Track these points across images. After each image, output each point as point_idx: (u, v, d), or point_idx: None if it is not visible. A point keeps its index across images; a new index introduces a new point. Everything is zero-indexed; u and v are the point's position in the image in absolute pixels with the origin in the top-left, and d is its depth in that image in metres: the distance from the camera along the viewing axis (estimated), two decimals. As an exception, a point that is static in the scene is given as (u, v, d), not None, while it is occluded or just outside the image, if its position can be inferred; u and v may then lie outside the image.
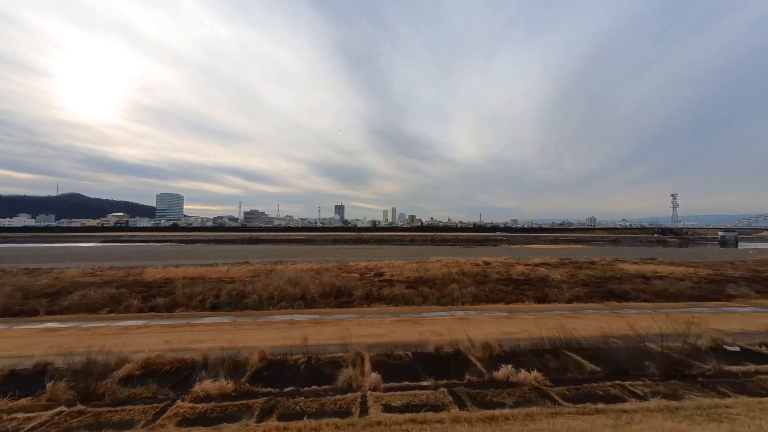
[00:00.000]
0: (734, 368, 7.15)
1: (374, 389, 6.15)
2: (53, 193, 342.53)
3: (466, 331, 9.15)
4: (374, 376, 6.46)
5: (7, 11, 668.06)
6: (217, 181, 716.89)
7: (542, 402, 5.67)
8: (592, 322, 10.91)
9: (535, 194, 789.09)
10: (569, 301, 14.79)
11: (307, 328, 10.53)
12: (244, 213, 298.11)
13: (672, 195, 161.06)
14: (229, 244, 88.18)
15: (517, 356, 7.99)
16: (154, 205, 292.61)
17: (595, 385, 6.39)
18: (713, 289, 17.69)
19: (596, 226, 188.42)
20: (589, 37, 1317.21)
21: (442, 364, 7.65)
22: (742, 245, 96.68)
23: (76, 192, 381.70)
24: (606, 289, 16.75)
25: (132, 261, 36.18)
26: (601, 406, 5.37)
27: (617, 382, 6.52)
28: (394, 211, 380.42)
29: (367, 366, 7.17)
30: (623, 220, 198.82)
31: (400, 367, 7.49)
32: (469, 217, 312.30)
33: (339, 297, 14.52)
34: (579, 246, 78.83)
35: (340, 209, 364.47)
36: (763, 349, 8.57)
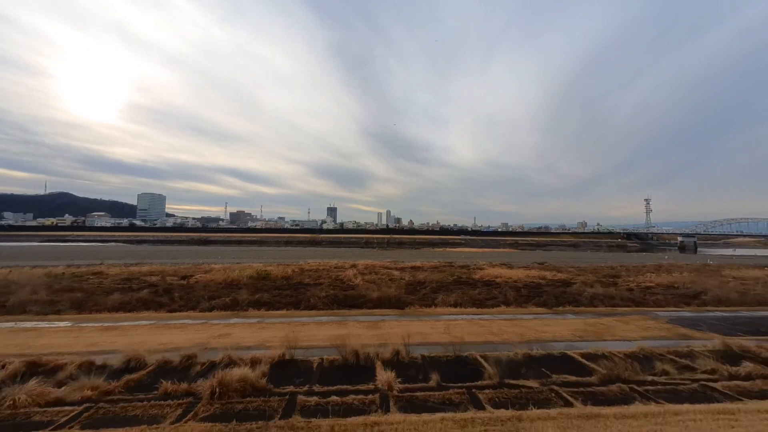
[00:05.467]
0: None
1: None
2: (43, 192, 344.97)
3: None
4: None
5: (3, 10, 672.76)
6: (215, 182, 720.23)
7: None
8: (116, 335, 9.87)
9: (533, 198, 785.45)
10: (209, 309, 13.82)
11: None
12: (230, 214, 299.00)
13: (645, 200, 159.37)
14: (176, 245, 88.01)
15: None
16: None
17: None
18: (425, 294, 16.78)
19: (567, 231, 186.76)
20: (584, 42, 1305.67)
21: None
22: (710, 251, 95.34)
23: (65, 191, 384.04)
24: (296, 300, 15.74)
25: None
26: None
27: None
28: (388, 213, 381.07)
29: None
30: (598, 224, 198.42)
31: None
32: (466, 221, 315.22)
33: None
34: (509, 250, 77.59)
35: (332, 211, 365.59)
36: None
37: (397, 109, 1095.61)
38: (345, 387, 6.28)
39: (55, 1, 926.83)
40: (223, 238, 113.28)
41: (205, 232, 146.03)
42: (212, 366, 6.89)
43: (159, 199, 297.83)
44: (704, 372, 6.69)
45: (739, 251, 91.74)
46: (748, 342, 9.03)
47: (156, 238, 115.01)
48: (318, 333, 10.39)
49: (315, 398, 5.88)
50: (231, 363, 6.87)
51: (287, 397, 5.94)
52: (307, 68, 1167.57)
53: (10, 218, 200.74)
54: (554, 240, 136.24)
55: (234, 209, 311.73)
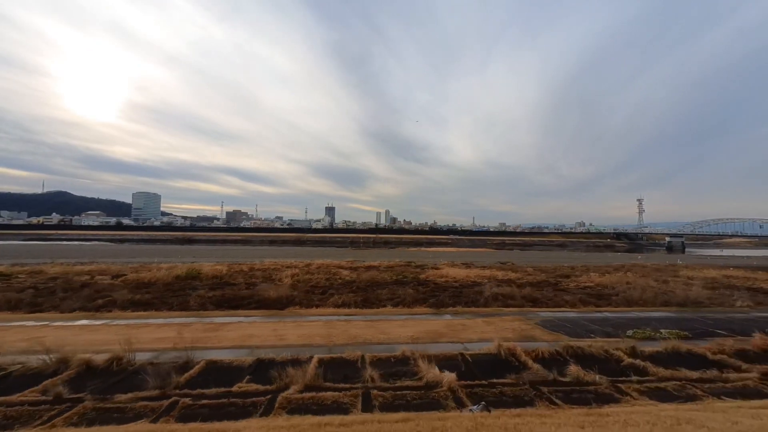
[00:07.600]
0: None
1: None
2: (41, 191, 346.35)
3: None
4: None
5: (3, 10, 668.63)
6: (215, 181, 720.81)
7: None
8: None
9: (533, 198, 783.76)
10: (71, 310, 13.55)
11: None
12: (227, 213, 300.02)
13: (638, 200, 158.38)
14: (157, 244, 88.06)
15: None
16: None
17: None
18: (331, 294, 16.42)
19: (559, 231, 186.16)
20: (583, 42, 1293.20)
21: None
22: (696, 251, 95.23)
23: (62, 190, 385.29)
24: (180, 300, 15.46)
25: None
26: None
27: None
28: (387, 213, 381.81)
29: None
30: (590, 224, 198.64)
31: None
32: (465, 221, 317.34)
33: None
34: (490, 250, 77.20)
35: (330, 210, 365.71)
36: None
37: (396, 109, 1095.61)
38: None
39: (55, 1, 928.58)
40: (207, 238, 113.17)
41: (191, 231, 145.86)
42: None
43: (154, 198, 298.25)
44: (418, 378, 6.23)
45: (726, 251, 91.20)
46: (521, 345, 8.58)
47: (140, 237, 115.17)
48: (143, 335, 10.02)
49: None
50: None
51: None
52: (306, 67, 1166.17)
53: (5, 217, 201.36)
54: (542, 240, 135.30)
55: (231, 208, 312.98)
